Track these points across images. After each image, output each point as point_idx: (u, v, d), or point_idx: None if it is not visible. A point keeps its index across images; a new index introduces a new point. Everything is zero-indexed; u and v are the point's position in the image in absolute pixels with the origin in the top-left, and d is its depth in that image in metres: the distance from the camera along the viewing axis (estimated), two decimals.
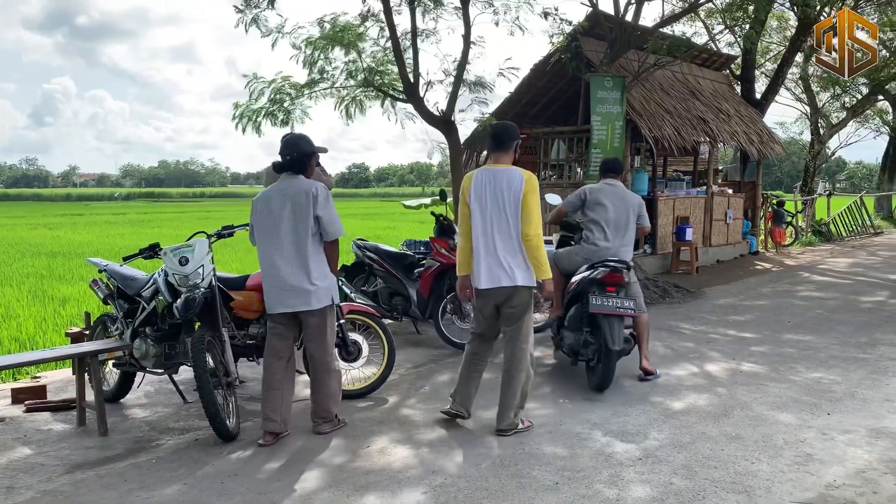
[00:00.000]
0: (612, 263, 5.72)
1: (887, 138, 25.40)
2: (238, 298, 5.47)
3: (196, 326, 4.93)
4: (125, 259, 5.20)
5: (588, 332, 5.63)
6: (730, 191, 14.98)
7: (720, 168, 16.91)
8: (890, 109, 24.47)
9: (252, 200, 4.76)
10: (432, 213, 7.61)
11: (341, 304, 5.54)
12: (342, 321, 5.47)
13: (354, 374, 5.60)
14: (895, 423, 4.69)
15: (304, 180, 4.66)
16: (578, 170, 12.68)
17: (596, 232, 6.06)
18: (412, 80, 10.91)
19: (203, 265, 4.79)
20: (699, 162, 14.69)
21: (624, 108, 11.52)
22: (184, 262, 4.75)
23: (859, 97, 21.82)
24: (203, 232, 5.11)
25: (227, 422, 4.55)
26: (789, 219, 17.34)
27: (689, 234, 12.58)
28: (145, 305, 5.07)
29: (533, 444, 4.39)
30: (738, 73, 16.70)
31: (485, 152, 14.37)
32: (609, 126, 11.52)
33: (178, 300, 4.64)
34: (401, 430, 4.74)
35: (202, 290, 4.71)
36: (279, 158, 4.74)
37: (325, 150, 5.72)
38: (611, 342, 5.40)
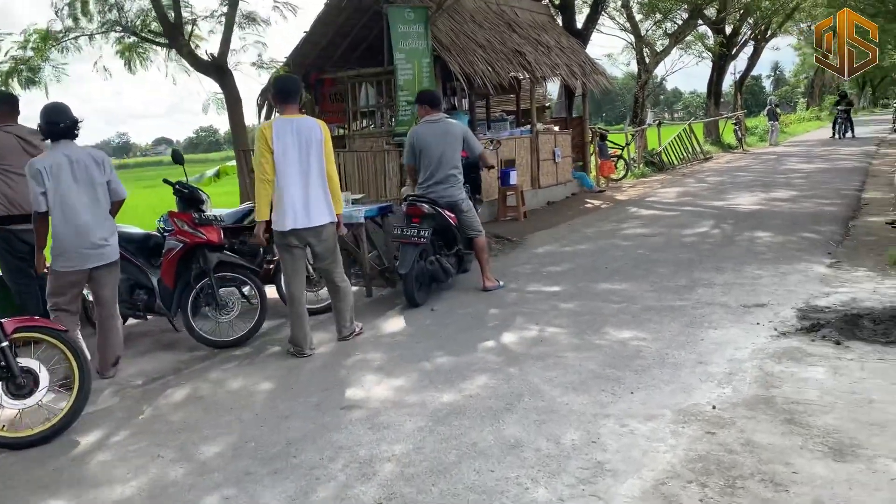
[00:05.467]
0: (411, 199, 6.53)
1: (710, 65, 25.93)
2: None
3: None
4: None
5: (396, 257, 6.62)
6: (556, 128, 14.27)
7: (548, 105, 16.23)
8: (711, 34, 24.87)
9: (34, 169, 4.68)
10: (165, 181, 6.10)
11: (3, 322, 4.05)
12: (4, 344, 3.99)
13: (33, 413, 4.14)
14: (705, 395, 3.85)
15: (83, 147, 4.91)
16: (390, 115, 11.43)
17: (423, 173, 6.60)
18: (172, 20, 9.17)
19: None
20: (522, 99, 13.84)
21: (429, 42, 10.34)
22: None
23: (680, 23, 21.86)
24: None
25: None
26: (618, 151, 17.00)
27: (514, 178, 11.70)
28: None
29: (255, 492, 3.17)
30: (557, 2, 15.92)
31: None
32: (415, 63, 10.31)
33: None
34: (69, 495, 3.37)
35: None
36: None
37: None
38: (399, 265, 6.26)
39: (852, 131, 25.10)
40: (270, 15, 9.71)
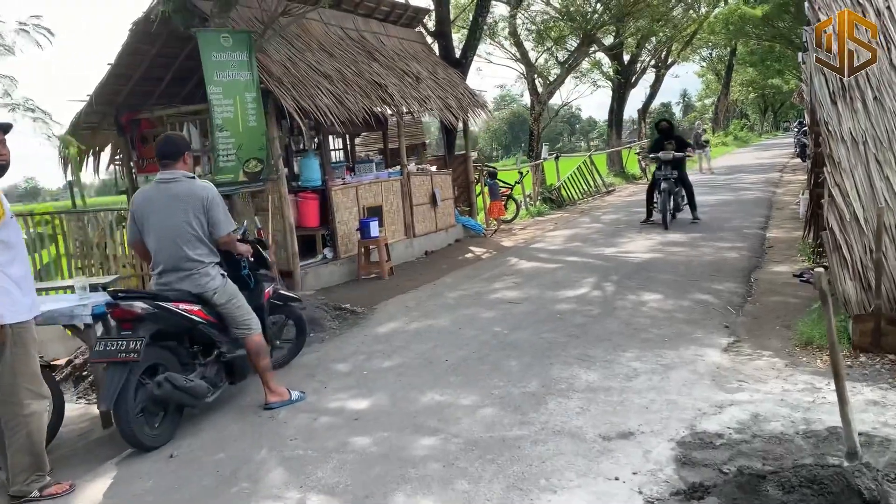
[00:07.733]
0: (120, 295, 4.47)
1: (610, 93, 25.02)
2: None
3: None
4: None
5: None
6: (433, 167, 12.61)
7: (427, 142, 14.60)
8: (607, 60, 23.91)
9: None
10: None
11: None
12: None
13: None
14: None
15: None
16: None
17: (153, 256, 4.70)
18: None
19: None
20: (390, 137, 12.15)
21: (255, 73, 8.54)
22: None
23: (571, 50, 20.76)
24: None
25: None
26: (508, 190, 15.47)
27: (375, 230, 9.93)
28: None
29: None
30: (432, 29, 14.40)
31: (106, 150, 10.86)
32: (237, 99, 8.50)
33: None
34: None
35: None
36: None
37: None
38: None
39: (691, 201, 11.84)
40: (16, 41, 7.43)
